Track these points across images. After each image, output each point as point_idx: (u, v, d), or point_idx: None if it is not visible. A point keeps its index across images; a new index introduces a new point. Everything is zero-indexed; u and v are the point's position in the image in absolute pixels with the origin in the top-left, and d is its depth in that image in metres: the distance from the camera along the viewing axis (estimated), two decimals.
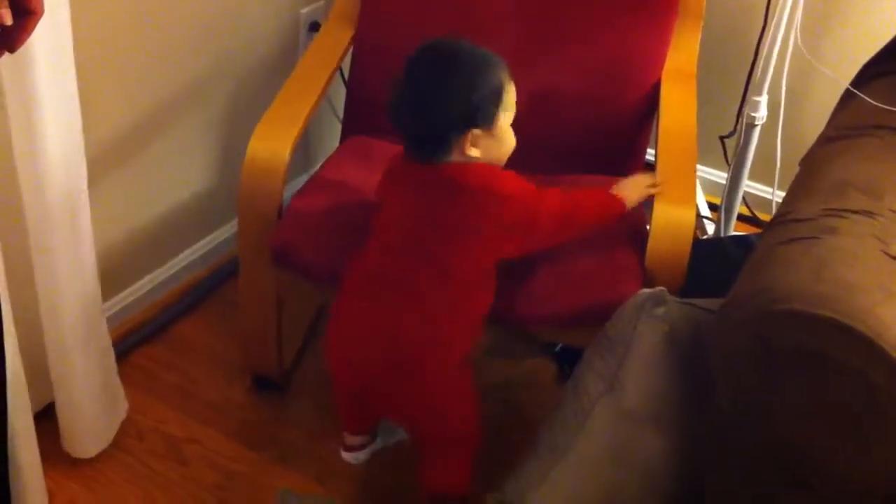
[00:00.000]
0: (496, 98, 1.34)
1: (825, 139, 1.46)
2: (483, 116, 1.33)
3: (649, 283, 1.44)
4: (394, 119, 1.37)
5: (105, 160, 1.72)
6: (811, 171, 1.35)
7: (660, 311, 1.26)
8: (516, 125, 1.39)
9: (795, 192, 1.31)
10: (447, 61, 1.34)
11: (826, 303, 1.02)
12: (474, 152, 1.34)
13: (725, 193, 2.10)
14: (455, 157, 1.34)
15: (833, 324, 1.01)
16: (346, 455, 1.55)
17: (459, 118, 1.32)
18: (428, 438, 1.44)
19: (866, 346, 0.99)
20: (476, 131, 1.33)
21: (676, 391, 1.23)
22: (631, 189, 1.48)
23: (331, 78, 1.73)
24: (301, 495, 1.54)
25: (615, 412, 1.23)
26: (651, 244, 1.47)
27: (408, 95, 1.34)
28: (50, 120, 1.31)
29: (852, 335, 1.00)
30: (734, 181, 2.07)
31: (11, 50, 0.93)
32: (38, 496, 1.48)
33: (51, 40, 1.25)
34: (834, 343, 1.00)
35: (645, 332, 1.25)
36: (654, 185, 1.50)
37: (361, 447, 1.55)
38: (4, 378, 1.28)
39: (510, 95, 1.36)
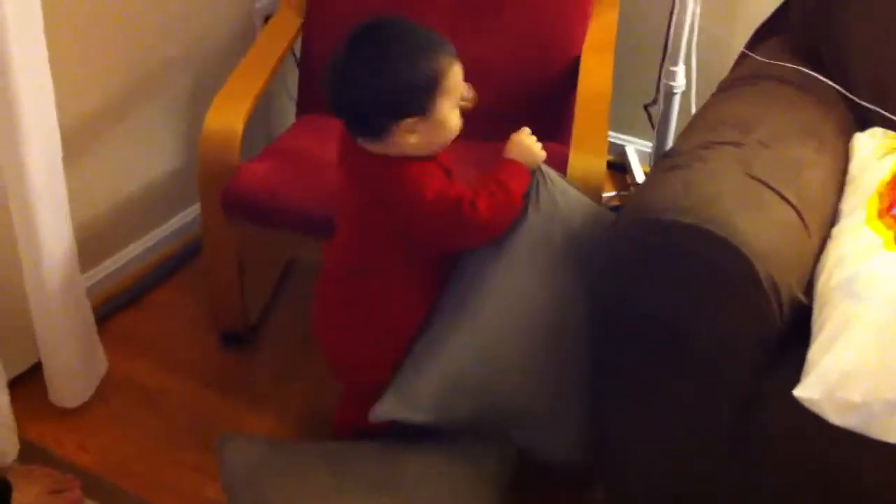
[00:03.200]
0: (430, 86, 1.33)
1: (716, 91, 1.65)
2: (415, 106, 1.33)
3: None
4: (327, 93, 1.37)
5: (76, 141, 1.89)
6: (697, 116, 1.55)
7: None
8: None
9: (682, 133, 1.51)
10: (384, 47, 1.33)
11: (689, 212, 1.22)
12: (412, 138, 1.35)
13: (651, 160, 2.29)
14: (390, 143, 1.35)
15: (694, 228, 1.21)
16: None
17: (391, 107, 1.33)
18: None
19: (720, 243, 1.19)
20: (409, 120, 1.34)
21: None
22: (525, 154, 1.46)
23: (282, 58, 1.92)
24: (241, 434, 1.70)
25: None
26: None
27: (344, 74, 1.34)
28: (23, 89, 1.46)
29: (709, 236, 1.19)
30: (660, 146, 2.27)
31: None
32: (11, 444, 1.64)
33: (21, 18, 1.42)
34: (694, 242, 1.20)
35: None
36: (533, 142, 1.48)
37: None
38: None
39: (451, 79, 1.35)
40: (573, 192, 1.46)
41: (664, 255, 1.23)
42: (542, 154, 1.47)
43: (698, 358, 1.26)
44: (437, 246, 1.46)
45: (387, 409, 1.50)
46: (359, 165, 1.42)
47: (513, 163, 1.45)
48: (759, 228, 1.22)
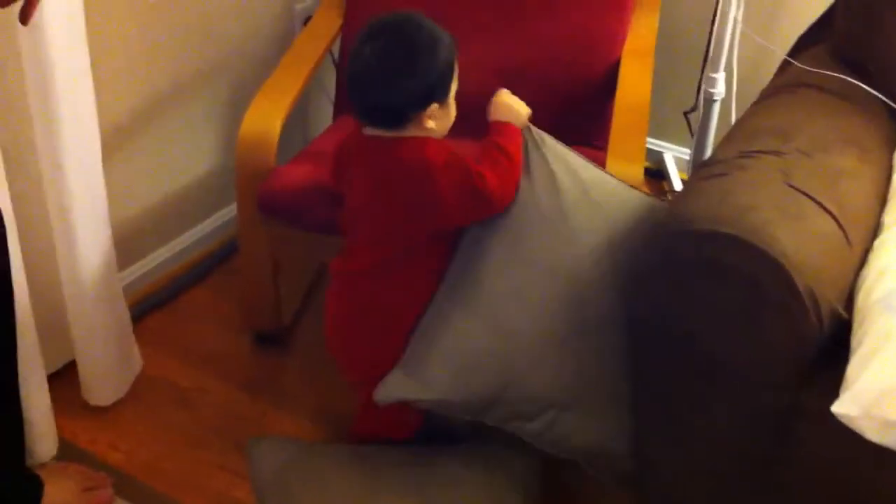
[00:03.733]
0: (450, 72, 1.41)
1: (757, 99, 1.63)
2: (441, 92, 1.41)
3: None
4: (351, 91, 1.41)
5: (115, 141, 1.91)
6: (737, 124, 1.52)
7: None
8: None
9: (722, 141, 1.48)
10: (408, 42, 1.38)
11: (726, 222, 1.20)
12: (431, 123, 1.41)
13: (690, 166, 2.26)
14: (411, 131, 1.41)
15: (730, 237, 1.18)
16: None
17: (422, 96, 1.39)
18: None
19: (758, 254, 1.16)
20: (434, 105, 1.40)
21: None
22: (510, 114, 1.47)
23: (320, 60, 1.92)
24: (272, 437, 1.70)
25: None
26: None
27: (368, 72, 1.38)
28: (64, 92, 1.48)
29: (746, 246, 1.17)
30: (698, 153, 2.24)
31: (24, 22, 1.12)
32: (50, 442, 1.66)
33: (64, 23, 1.44)
34: (731, 253, 1.18)
35: None
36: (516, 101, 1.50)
37: None
38: (15, 345, 1.46)
39: (456, 66, 1.43)
40: (572, 157, 1.45)
41: (698, 266, 1.20)
42: (527, 111, 1.48)
43: (731, 375, 1.23)
44: (453, 221, 1.45)
45: (394, 387, 1.46)
46: (370, 158, 1.45)
47: (504, 124, 1.47)
48: (799, 239, 1.19)
